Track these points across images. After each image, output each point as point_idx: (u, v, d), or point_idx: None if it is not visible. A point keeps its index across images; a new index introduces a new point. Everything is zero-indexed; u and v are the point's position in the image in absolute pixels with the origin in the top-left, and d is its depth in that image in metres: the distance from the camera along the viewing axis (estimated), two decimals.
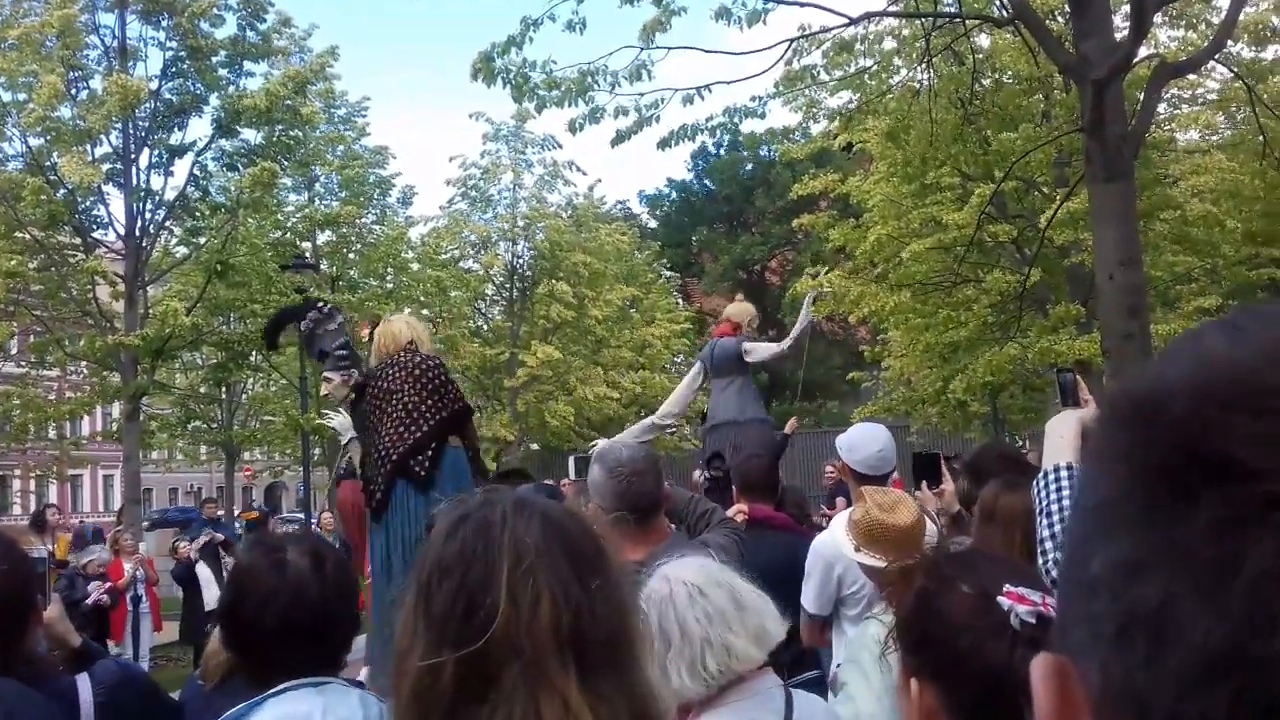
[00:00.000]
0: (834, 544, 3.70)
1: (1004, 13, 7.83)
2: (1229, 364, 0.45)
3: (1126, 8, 8.13)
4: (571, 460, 4.99)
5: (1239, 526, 0.41)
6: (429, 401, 5.03)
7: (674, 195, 43.12)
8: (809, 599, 3.76)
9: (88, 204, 16.10)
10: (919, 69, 9.59)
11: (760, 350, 7.94)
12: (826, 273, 15.40)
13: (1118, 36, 7.17)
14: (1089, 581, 0.46)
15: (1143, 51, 8.37)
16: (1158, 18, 10.09)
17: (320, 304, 6.39)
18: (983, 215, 12.10)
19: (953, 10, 8.38)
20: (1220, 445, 0.42)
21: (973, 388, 15.14)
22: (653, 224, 41.37)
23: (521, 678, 1.13)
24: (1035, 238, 12.20)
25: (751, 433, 7.29)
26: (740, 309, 8.37)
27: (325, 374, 5.90)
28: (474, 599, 1.16)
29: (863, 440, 4.08)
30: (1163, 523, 0.43)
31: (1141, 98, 7.45)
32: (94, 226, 16.56)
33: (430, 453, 5.00)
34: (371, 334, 5.84)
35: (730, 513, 4.26)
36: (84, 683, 2.37)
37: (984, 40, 11.54)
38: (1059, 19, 11.53)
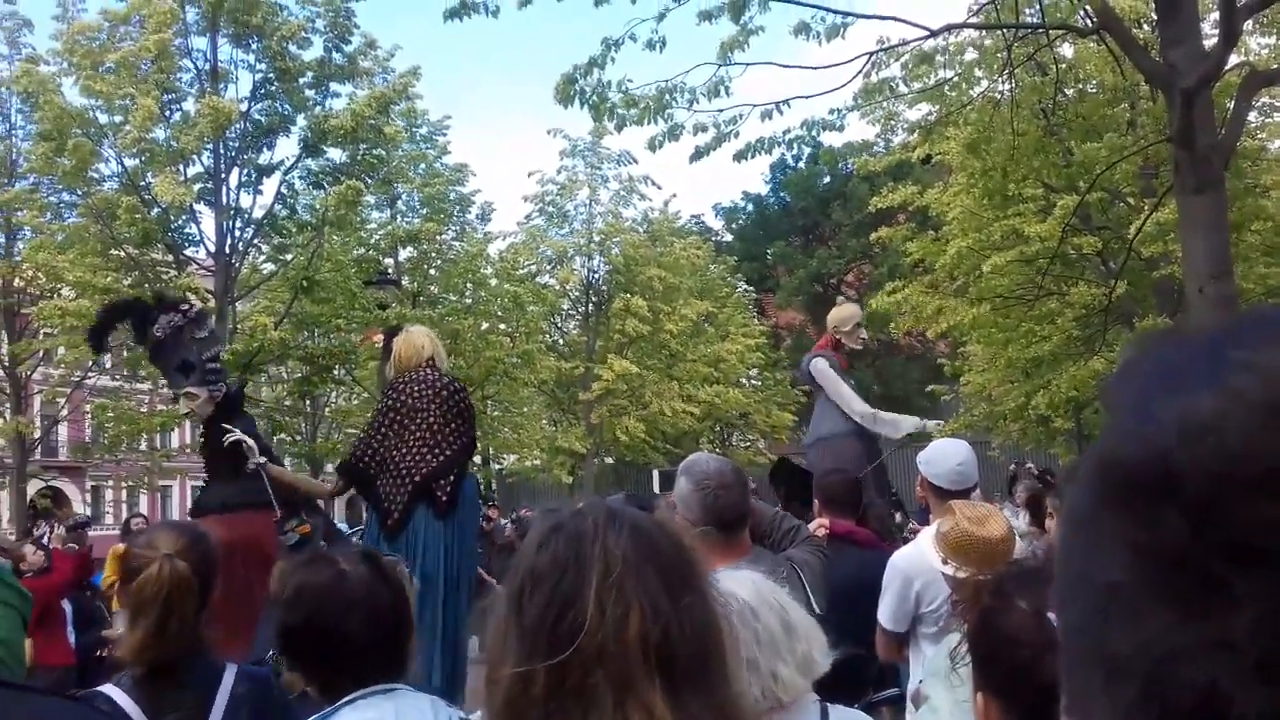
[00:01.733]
0: (913, 559, 3.68)
1: (1088, 22, 7.70)
2: (1233, 431, 0.42)
3: (1215, 15, 7.95)
4: (656, 474, 4.75)
5: None
6: (453, 425, 4.94)
7: (749, 209, 43.01)
8: (885, 614, 3.73)
9: (180, 222, 16.64)
10: (1000, 80, 9.47)
11: (829, 384, 7.63)
12: (904, 290, 15.25)
13: (1206, 44, 7.01)
14: (1112, 662, 0.45)
15: (1233, 59, 8.16)
16: (1248, 25, 9.85)
17: (185, 305, 5.78)
18: (1066, 227, 11.88)
19: (1035, 20, 8.28)
20: (1249, 535, 0.41)
21: (1056, 403, 14.85)
22: (728, 238, 41.30)
23: (609, 688, 1.14)
24: (1121, 250, 11.95)
25: (836, 448, 7.18)
26: (836, 313, 7.86)
27: (188, 389, 5.40)
28: (564, 608, 1.17)
29: (942, 455, 4.04)
30: (1199, 612, 0.42)
31: (1231, 106, 7.27)
32: (185, 244, 17.11)
33: (453, 478, 4.94)
34: (387, 342, 5.40)
35: (811, 528, 4.25)
36: (230, 673, 2.50)
37: (1067, 50, 11.35)
38: (1145, 27, 11.32)
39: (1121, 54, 7.84)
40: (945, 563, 3.22)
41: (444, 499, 4.88)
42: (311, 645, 2.01)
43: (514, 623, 1.20)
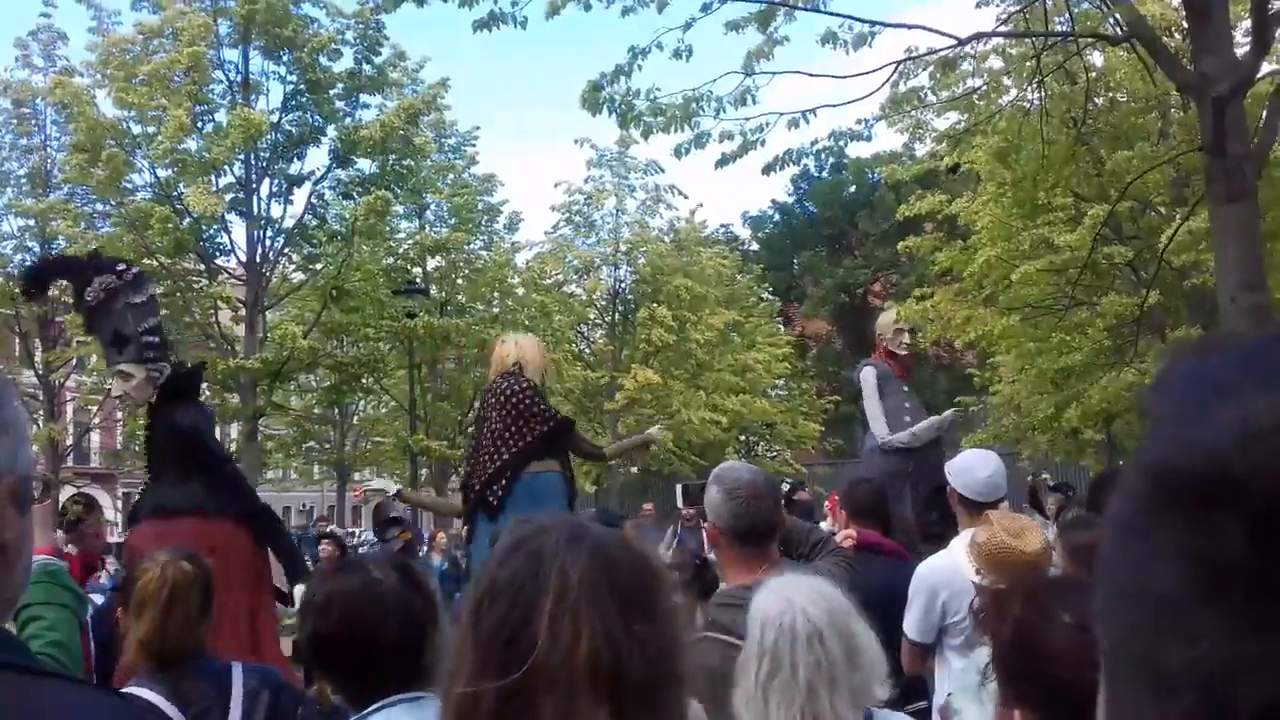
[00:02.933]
0: (939, 570, 3.66)
1: (1118, 30, 7.65)
2: None
3: (1248, 23, 7.88)
4: (679, 488, 4.68)
5: None
6: (512, 429, 4.99)
7: (776, 218, 42.98)
8: (911, 625, 3.71)
9: (211, 232, 16.84)
10: (1029, 88, 9.42)
11: (864, 396, 7.56)
12: (931, 299, 15.16)
13: (1238, 53, 6.95)
14: (1162, 675, 0.44)
15: (1265, 68, 8.08)
16: None
17: (122, 266, 4.87)
18: (1097, 236, 11.79)
19: (1064, 29, 8.23)
20: None
21: (1088, 415, 14.71)
22: (754, 247, 41.27)
23: (555, 713, 1.13)
24: (1153, 260, 11.84)
25: (869, 461, 7.13)
26: (880, 320, 7.84)
27: (121, 366, 4.61)
28: (517, 627, 1.16)
29: (971, 466, 4.02)
30: (1259, 625, 0.41)
31: (1264, 115, 7.20)
32: (217, 254, 17.32)
33: (505, 481, 4.96)
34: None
35: (838, 539, 4.23)
36: (237, 668, 2.56)
37: (1097, 58, 11.28)
38: (1176, 35, 11.22)
39: (1152, 63, 7.78)
40: (978, 573, 3.21)
41: (493, 502, 4.93)
42: (342, 652, 2.02)
43: (470, 636, 1.20)
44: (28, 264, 5.37)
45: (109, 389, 21.43)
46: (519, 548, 1.23)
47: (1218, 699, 0.42)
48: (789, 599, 2.00)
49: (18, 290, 5.32)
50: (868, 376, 7.46)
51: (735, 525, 2.79)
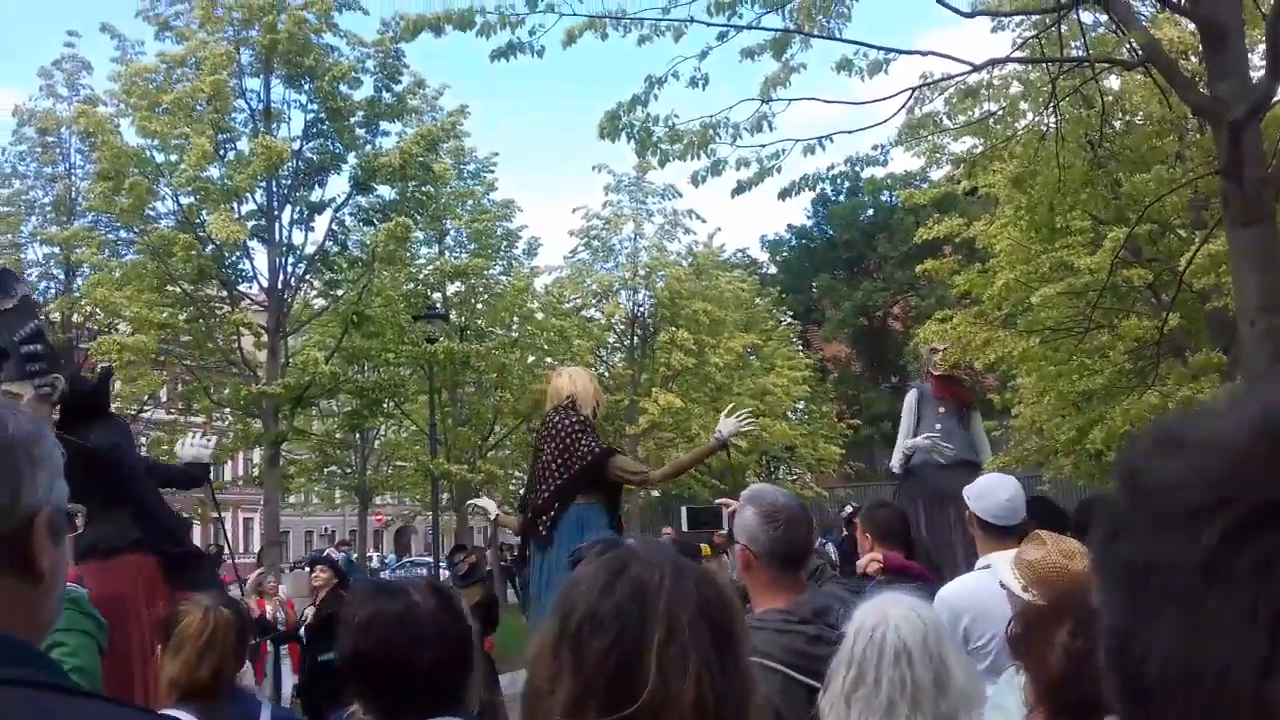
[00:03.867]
0: (962, 594, 3.65)
1: (1134, 55, 7.67)
2: None
3: (1263, 47, 7.88)
4: (685, 510, 4.63)
5: None
6: (558, 461, 5.15)
7: (794, 241, 43.01)
8: None
9: (234, 259, 16.98)
10: (1045, 113, 9.43)
11: (904, 414, 7.62)
12: (952, 320, 15.11)
13: (1255, 76, 6.95)
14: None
15: None
16: None
17: None
18: (1116, 259, 11.74)
19: (1080, 54, 8.25)
20: None
21: (1111, 437, 14.61)
22: (772, 270, 41.30)
23: None
24: (1173, 282, 11.78)
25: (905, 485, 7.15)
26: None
27: (4, 387, 4.00)
28: (625, 662, 1.19)
29: (991, 490, 4.02)
30: None
31: None
32: (239, 280, 17.47)
33: (553, 513, 5.12)
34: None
35: (863, 562, 4.23)
36: (265, 711, 2.62)
37: (1114, 82, 11.27)
38: (1192, 59, 11.20)
39: (1168, 87, 7.79)
40: (1025, 590, 3.19)
41: (543, 532, 5.10)
42: (379, 674, 2.04)
43: (569, 659, 1.22)
44: None
45: (133, 414, 21.65)
46: (619, 576, 1.25)
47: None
48: (886, 614, 2.02)
49: None
50: (909, 400, 7.55)
51: (773, 549, 2.78)
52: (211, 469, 5.15)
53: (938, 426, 7.35)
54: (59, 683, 1.03)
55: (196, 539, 32.34)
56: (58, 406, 4.10)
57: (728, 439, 5.58)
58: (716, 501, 4.10)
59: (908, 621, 2.01)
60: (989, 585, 3.41)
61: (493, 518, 5.98)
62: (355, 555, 25.08)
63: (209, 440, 5.19)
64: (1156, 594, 0.50)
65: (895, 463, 7.45)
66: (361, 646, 2.06)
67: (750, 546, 2.79)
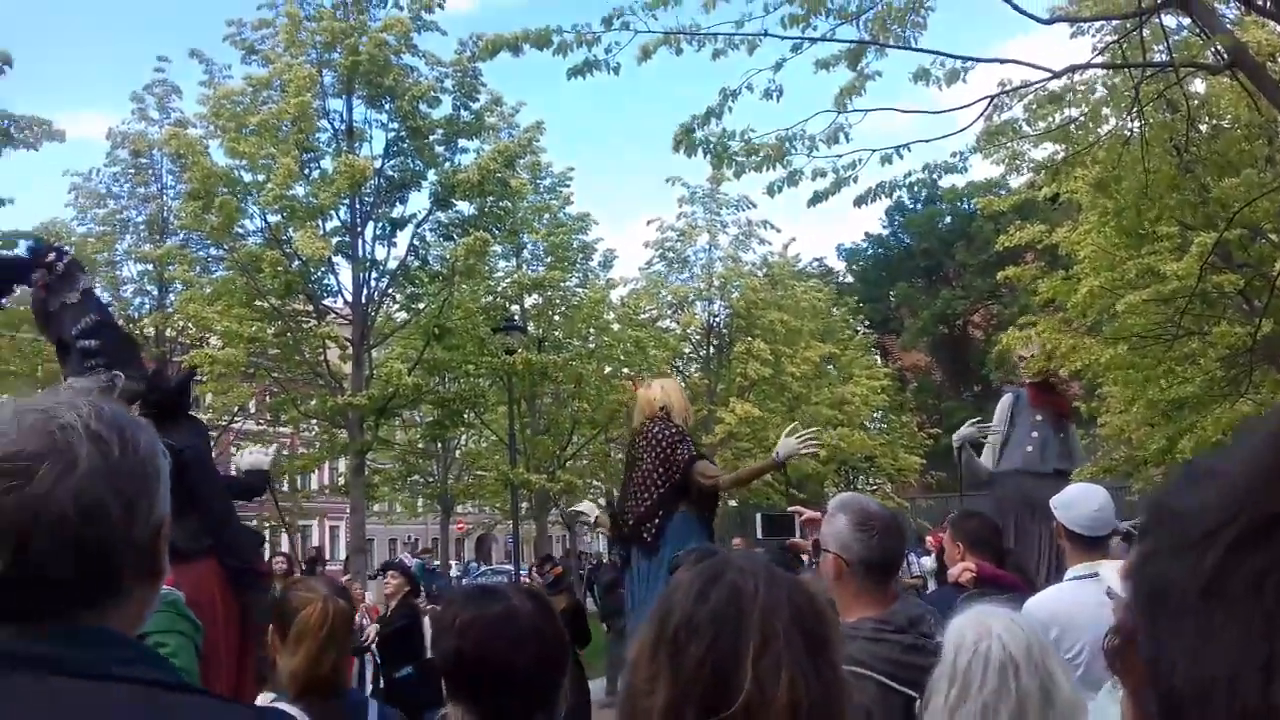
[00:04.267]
0: (1050, 605, 3.58)
1: (1219, 58, 7.49)
2: None
3: None
4: (760, 517, 4.58)
5: None
6: (658, 471, 5.29)
7: (871, 250, 42.61)
8: None
9: (319, 274, 17.39)
10: (1129, 118, 9.25)
11: (995, 418, 7.53)
12: (1035, 327, 14.86)
13: None
14: None
15: None
16: None
17: (52, 255, 4.12)
18: (1205, 265, 11.46)
19: (1163, 59, 8.09)
20: None
21: (1202, 447, 14.21)
22: (849, 279, 40.96)
23: None
24: (1265, 287, 11.46)
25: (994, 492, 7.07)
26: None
27: (68, 380, 3.84)
28: (721, 667, 1.23)
29: (1079, 500, 3.95)
30: None
31: None
32: (324, 295, 17.88)
33: (658, 520, 5.27)
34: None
35: (956, 571, 4.20)
36: (373, 709, 2.68)
37: (1199, 85, 11.01)
38: None
39: (1255, 90, 7.60)
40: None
41: (648, 539, 5.26)
42: (479, 677, 2.09)
43: (666, 664, 1.27)
44: None
45: (224, 425, 22.26)
46: (715, 583, 1.29)
47: None
48: (987, 626, 2.00)
49: None
50: (1002, 403, 7.44)
51: (869, 557, 2.76)
52: (270, 477, 5.06)
53: (1034, 435, 7.22)
54: (175, 681, 1.12)
55: (284, 547, 33.09)
56: (134, 405, 3.84)
57: (784, 460, 5.58)
58: (790, 509, 4.08)
59: (1010, 633, 1.99)
60: (1078, 596, 3.36)
61: (593, 520, 6.10)
62: (437, 563, 25.44)
63: (269, 449, 5.16)
64: (1174, 614, 0.53)
65: (986, 460, 7.33)
66: (463, 647, 2.10)
67: (843, 554, 2.76)
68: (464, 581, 31.87)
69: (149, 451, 1.12)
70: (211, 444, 5.13)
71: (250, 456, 5.00)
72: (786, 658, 1.23)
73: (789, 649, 1.24)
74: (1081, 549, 3.74)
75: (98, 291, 4.20)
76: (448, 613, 2.21)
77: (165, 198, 20.73)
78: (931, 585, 12.01)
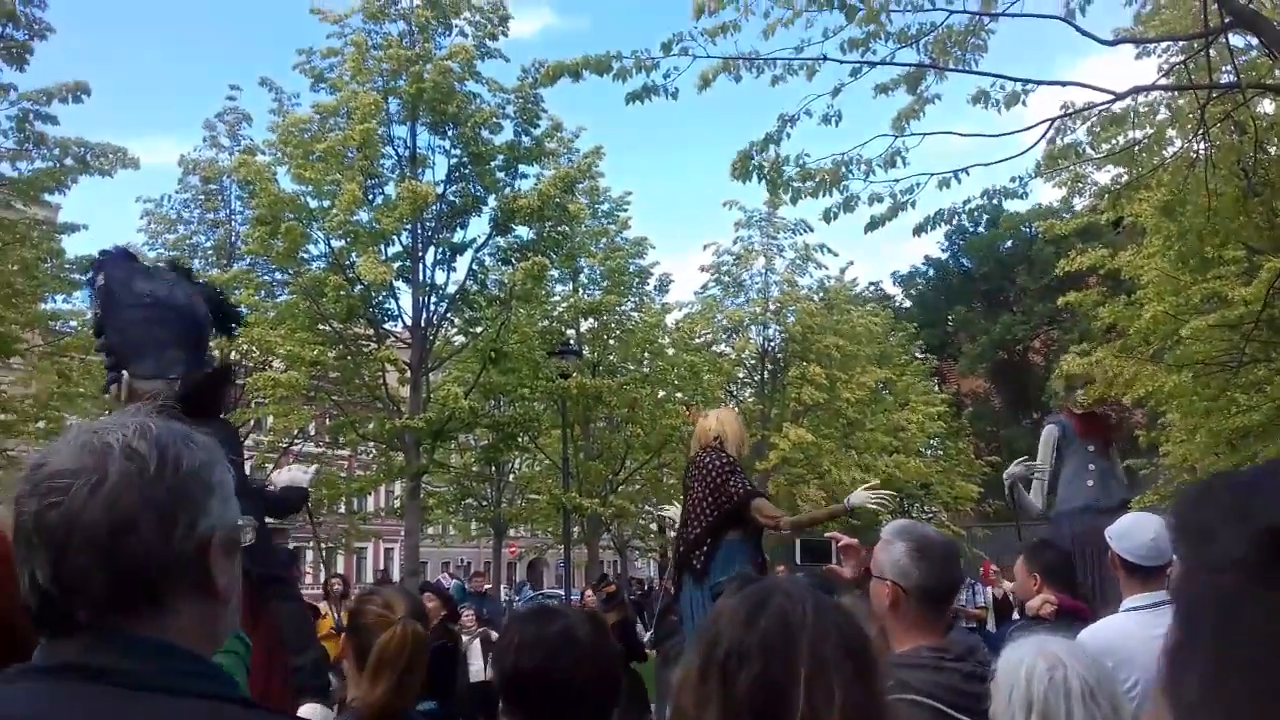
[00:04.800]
0: (1104, 637, 3.55)
1: None
2: None
3: None
4: (799, 544, 4.53)
5: None
6: (708, 500, 5.39)
7: (928, 273, 42.27)
8: None
9: (380, 298, 17.66)
10: (1194, 140, 9.13)
11: (1041, 451, 7.43)
12: (1096, 354, 14.64)
13: None
14: None
15: None
16: None
17: (99, 255, 3.97)
18: (1273, 290, 11.24)
19: (1229, 80, 7.99)
20: None
21: None
22: (906, 303, 40.65)
23: None
24: None
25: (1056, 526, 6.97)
26: (1054, 377, 7.76)
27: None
28: (774, 693, 1.25)
29: (1136, 529, 3.90)
30: None
31: None
32: (385, 319, 18.15)
33: (706, 547, 5.37)
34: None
35: (1036, 603, 4.16)
36: None
37: (1267, 106, 10.84)
38: None
39: None
40: None
41: (699, 566, 5.37)
42: (536, 692, 2.15)
43: (717, 690, 1.28)
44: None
45: (285, 447, 22.50)
46: (762, 609, 1.31)
47: None
48: (1056, 655, 2.00)
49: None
50: (1047, 435, 7.27)
51: (927, 583, 2.72)
52: (308, 495, 4.85)
53: (1090, 467, 7.05)
54: (240, 696, 1.17)
55: (339, 568, 33.42)
56: (158, 403, 3.54)
57: (854, 507, 5.68)
58: (827, 535, 4.04)
59: (1081, 661, 1.99)
60: (1133, 629, 3.31)
61: (678, 525, 6.25)
62: (488, 586, 25.51)
63: (309, 468, 4.95)
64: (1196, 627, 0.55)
65: (1035, 497, 7.19)
66: (521, 664, 2.16)
67: (901, 582, 2.71)
68: (516, 605, 31.97)
69: (194, 467, 1.15)
70: (244, 451, 4.89)
71: (288, 473, 4.85)
72: (838, 682, 1.25)
73: (839, 674, 1.25)
74: (1139, 580, 3.69)
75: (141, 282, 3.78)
76: (509, 630, 2.27)
77: (233, 223, 21.20)
78: (990, 619, 11.79)
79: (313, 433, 23.94)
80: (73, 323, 18.21)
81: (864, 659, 1.31)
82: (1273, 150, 11.46)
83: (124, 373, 3.65)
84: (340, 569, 33.53)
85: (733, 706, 1.26)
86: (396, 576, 26.88)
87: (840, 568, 3.61)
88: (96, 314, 3.80)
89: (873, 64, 7.87)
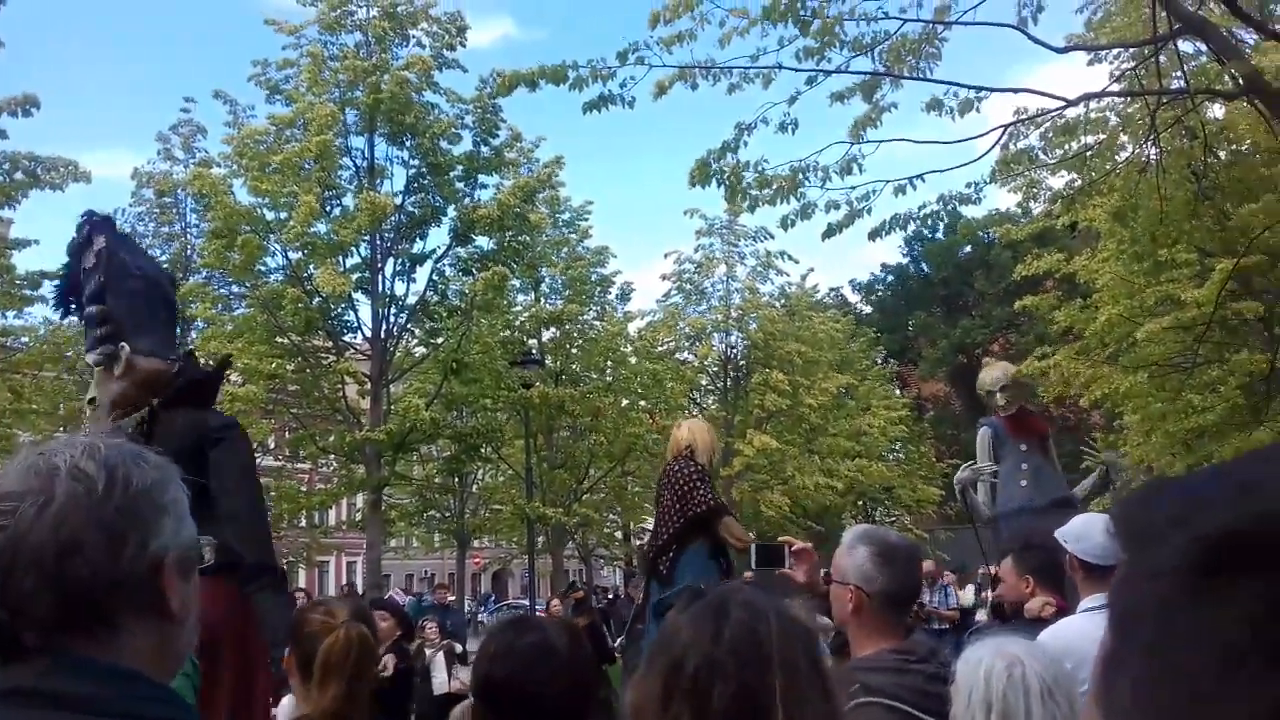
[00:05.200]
0: (1064, 637, 3.56)
1: (1235, 85, 7.51)
2: None
3: None
4: (754, 548, 4.39)
5: None
6: (675, 506, 5.50)
7: (889, 280, 42.61)
8: None
9: (339, 310, 17.51)
10: (1145, 145, 9.27)
11: (978, 454, 7.49)
12: (1054, 356, 14.82)
13: None
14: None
15: None
16: None
17: (87, 216, 3.75)
18: (1224, 292, 11.43)
19: (1179, 86, 8.12)
20: None
21: None
22: (867, 309, 40.95)
23: None
24: None
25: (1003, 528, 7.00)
26: (978, 380, 7.83)
27: (87, 355, 3.64)
28: (751, 705, 1.24)
29: (1090, 529, 3.92)
30: None
31: None
32: (344, 331, 17.99)
33: (672, 553, 5.47)
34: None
35: (1036, 606, 4.16)
36: None
37: (1217, 111, 11.03)
38: None
39: (1271, 117, 7.61)
40: None
41: (663, 571, 5.49)
42: (510, 703, 2.13)
43: (688, 709, 1.26)
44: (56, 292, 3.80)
45: None
46: (725, 621, 1.30)
47: None
48: (1014, 654, 2.01)
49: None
50: (981, 438, 7.32)
51: (890, 588, 2.71)
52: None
53: (1023, 467, 7.10)
54: None
55: (300, 582, 33.03)
56: (176, 384, 3.55)
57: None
58: (780, 539, 4.00)
59: (1039, 660, 2.00)
60: (1090, 629, 3.34)
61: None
62: (452, 598, 25.34)
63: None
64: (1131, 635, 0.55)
65: (983, 497, 7.23)
66: (495, 674, 2.14)
67: (864, 587, 2.70)
68: (480, 617, 31.73)
69: (145, 486, 1.13)
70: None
71: None
72: (808, 689, 1.25)
73: (811, 688, 1.26)
74: (1097, 579, 3.71)
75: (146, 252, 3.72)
76: (486, 640, 2.25)
77: (189, 236, 20.94)
78: (980, 615, 11.81)
79: (272, 446, 23.66)
80: (24, 339, 17.90)
81: (821, 662, 1.32)
82: (1222, 154, 11.68)
83: (124, 345, 3.46)
84: (302, 583, 33.16)
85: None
86: (359, 589, 26.63)
87: (793, 572, 3.60)
88: (97, 279, 3.54)
89: (828, 72, 7.92)
